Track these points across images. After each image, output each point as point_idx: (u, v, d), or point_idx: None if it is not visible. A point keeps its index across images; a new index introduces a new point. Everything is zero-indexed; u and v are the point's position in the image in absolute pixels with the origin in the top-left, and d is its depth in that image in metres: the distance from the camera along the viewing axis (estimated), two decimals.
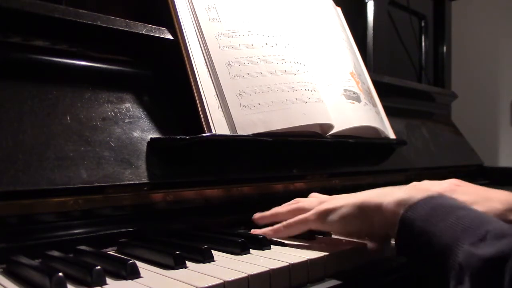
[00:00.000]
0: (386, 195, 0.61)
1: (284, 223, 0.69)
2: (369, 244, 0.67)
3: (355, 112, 0.98)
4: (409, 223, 0.56)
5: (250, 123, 0.77)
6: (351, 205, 0.64)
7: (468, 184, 0.91)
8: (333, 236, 0.74)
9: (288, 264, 0.56)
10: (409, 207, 0.57)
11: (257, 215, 0.75)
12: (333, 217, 0.65)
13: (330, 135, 0.91)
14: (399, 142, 1.11)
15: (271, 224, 0.72)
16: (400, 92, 1.39)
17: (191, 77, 0.77)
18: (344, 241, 0.70)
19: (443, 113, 1.68)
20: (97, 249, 0.62)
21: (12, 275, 0.54)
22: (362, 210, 0.63)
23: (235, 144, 0.79)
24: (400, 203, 0.58)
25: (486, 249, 0.47)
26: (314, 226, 0.67)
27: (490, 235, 0.48)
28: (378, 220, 0.61)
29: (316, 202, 0.70)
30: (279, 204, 0.77)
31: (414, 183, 0.94)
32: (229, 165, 0.81)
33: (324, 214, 0.66)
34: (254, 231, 0.71)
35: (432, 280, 0.56)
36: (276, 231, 0.69)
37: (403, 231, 0.56)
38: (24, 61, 0.67)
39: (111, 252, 0.65)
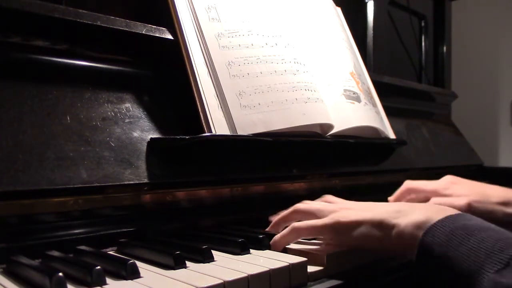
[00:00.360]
0: (403, 215, 0.60)
1: (293, 226, 0.65)
2: None
3: (355, 112, 0.98)
4: (428, 248, 0.54)
5: (250, 123, 0.77)
6: (368, 224, 0.61)
7: (464, 180, 0.91)
8: None
9: (288, 264, 0.56)
10: (428, 231, 0.55)
11: (268, 228, 0.73)
12: (349, 232, 0.62)
13: (330, 135, 0.91)
14: (399, 142, 1.11)
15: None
16: (400, 92, 1.39)
17: (191, 77, 0.77)
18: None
19: (443, 113, 1.68)
20: (97, 249, 0.62)
21: (12, 275, 0.54)
22: (380, 230, 0.60)
23: (235, 144, 0.79)
24: (418, 226, 0.57)
25: (511, 278, 0.46)
26: (327, 236, 0.65)
27: None
28: (395, 240, 0.59)
29: (325, 209, 0.67)
30: (279, 204, 0.77)
31: (408, 182, 0.94)
32: (229, 165, 0.81)
33: (340, 227, 0.63)
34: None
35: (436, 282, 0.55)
36: (284, 237, 0.66)
37: (423, 257, 0.55)
38: (24, 61, 0.67)
39: (111, 252, 0.65)
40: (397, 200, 0.96)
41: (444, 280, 0.54)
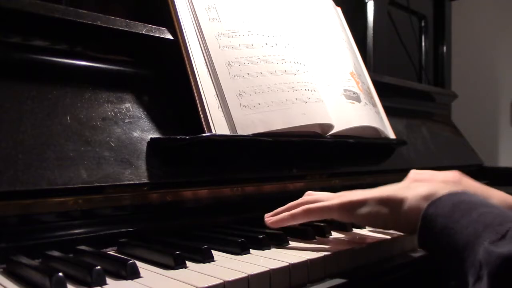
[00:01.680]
0: (410, 189, 0.62)
1: (305, 208, 0.67)
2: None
3: (355, 112, 0.98)
4: (431, 219, 0.56)
5: (250, 123, 0.77)
6: (377, 199, 0.64)
7: (469, 180, 0.91)
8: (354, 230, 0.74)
9: (288, 264, 0.56)
10: (432, 203, 0.57)
11: (270, 220, 0.72)
12: (359, 210, 0.65)
13: (330, 135, 0.91)
14: (399, 142, 1.11)
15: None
16: (400, 92, 1.39)
17: (191, 77, 0.77)
18: (344, 241, 0.70)
19: (443, 113, 1.68)
20: (97, 249, 0.62)
21: (12, 275, 0.54)
22: (388, 204, 0.63)
23: (235, 144, 0.79)
24: (424, 198, 0.59)
25: (506, 247, 0.47)
26: (338, 216, 0.67)
27: (511, 232, 0.48)
28: (404, 214, 0.61)
29: (333, 194, 0.70)
30: (279, 204, 0.77)
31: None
32: (229, 165, 0.81)
33: (350, 206, 0.65)
34: (269, 219, 0.70)
35: (452, 274, 0.56)
36: (293, 216, 0.67)
37: (426, 227, 0.57)
38: (24, 61, 0.67)
39: (111, 252, 0.65)
40: None
41: (443, 250, 0.55)
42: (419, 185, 0.63)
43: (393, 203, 0.63)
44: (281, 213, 0.72)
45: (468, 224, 0.52)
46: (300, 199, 0.73)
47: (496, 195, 0.85)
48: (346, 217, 0.67)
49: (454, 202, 0.56)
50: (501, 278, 0.46)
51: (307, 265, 0.58)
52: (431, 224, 0.56)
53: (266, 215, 0.73)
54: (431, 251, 0.58)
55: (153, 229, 0.71)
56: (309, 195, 0.74)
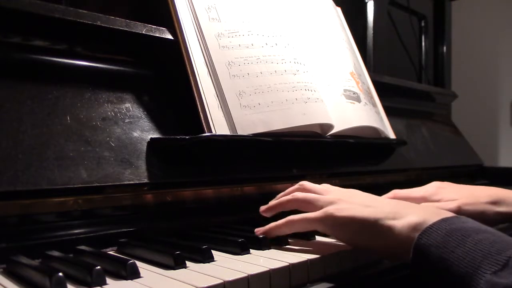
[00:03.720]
0: (399, 216, 0.59)
1: (289, 219, 0.66)
2: None
3: (355, 112, 0.98)
4: (424, 250, 0.54)
5: (250, 123, 0.77)
6: (362, 222, 0.60)
7: (451, 184, 0.91)
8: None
9: (288, 264, 0.56)
10: (423, 233, 0.55)
11: (262, 208, 0.73)
12: (341, 227, 0.62)
13: (330, 135, 0.91)
14: (399, 142, 1.11)
15: (278, 215, 0.71)
16: (400, 92, 1.39)
17: (191, 77, 0.77)
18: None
19: (443, 113, 1.68)
20: (97, 249, 0.62)
21: (12, 275, 0.54)
22: (373, 230, 0.60)
23: (235, 144, 0.79)
24: (414, 228, 0.56)
25: (509, 278, 0.46)
26: (321, 229, 0.65)
27: (511, 262, 0.48)
28: (391, 242, 0.58)
29: (322, 199, 0.67)
30: None
31: (395, 191, 0.93)
32: (229, 165, 0.81)
33: (334, 222, 0.62)
34: (257, 230, 0.68)
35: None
36: (277, 228, 0.66)
37: (419, 259, 0.54)
38: (24, 61, 0.67)
39: (111, 252, 0.65)
40: None
41: (440, 282, 0.53)
42: (409, 211, 0.60)
43: (379, 230, 0.59)
44: (273, 208, 0.72)
45: (465, 255, 0.51)
46: (291, 195, 0.71)
47: (481, 192, 0.86)
48: (329, 232, 0.65)
49: (447, 231, 0.54)
50: None
51: (307, 265, 0.58)
52: (424, 255, 0.54)
53: (262, 208, 0.74)
54: (427, 280, 0.55)
55: (153, 229, 0.71)
56: (303, 187, 0.72)
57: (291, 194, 0.71)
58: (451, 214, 0.58)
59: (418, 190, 0.91)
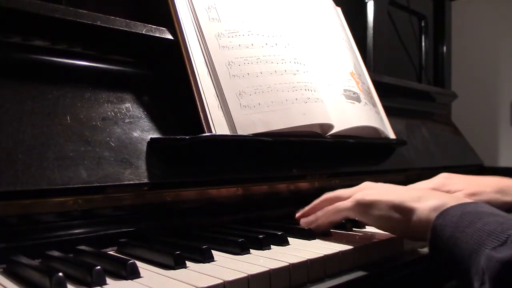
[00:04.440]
0: (421, 200, 0.63)
1: (323, 210, 0.72)
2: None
3: (355, 112, 0.98)
4: (440, 229, 0.57)
5: (250, 123, 0.77)
6: (388, 205, 0.66)
7: (458, 175, 0.93)
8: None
9: (288, 264, 0.56)
10: (441, 214, 0.58)
11: (298, 214, 0.78)
12: (370, 211, 0.67)
13: (330, 135, 0.91)
14: (399, 142, 1.11)
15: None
16: (400, 92, 1.39)
17: (191, 77, 0.77)
18: (344, 241, 0.70)
19: (443, 113, 1.68)
20: (97, 249, 0.62)
21: (12, 275, 0.54)
22: (399, 211, 0.65)
23: (235, 144, 0.79)
24: (434, 209, 0.60)
25: (505, 252, 0.48)
26: (352, 215, 0.70)
27: (511, 238, 0.49)
28: (413, 223, 0.63)
29: (350, 190, 0.73)
30: (279, 204, 0.77)
31: (414, 185, 0.95)
32: (229, 165, 0.81)
33: (363, 206, 0.68)
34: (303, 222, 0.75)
35: (460, 282, 0.57)
36: (315, 221, 0.72)
37: (435, 237, 0.58)
38: (24, 61, 0.67)
39: (111, 252, 0.65)
40: None
41: (451, 260, 0.56)
42: (431, 195, 0.64)
43: (403, 211, 0.64)
44: (308, 212, 0.77)
45: (473, 233, 0.53)
46: (322, 197, 0.77)
47: (487, 182, 0.87)
48: (359, 217, 0.70)
49: (462, 212, 0.57)
50: (501, 282, 0.47)
51: (307, 265, 0.58)
52: (440, 234, 0.57)
53: (298, 214, 0.79)
54: (441, 261, 0.59)
55: (153, 229, 0.71)
56: (329, 193, 0.77)
57: (321, 197, 0.77)
58: (470, 200, 0.61)
59: (427, 182, 0.92)
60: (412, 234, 0.65)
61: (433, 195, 0.65)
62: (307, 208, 0.78)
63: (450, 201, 0.60)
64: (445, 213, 0.58)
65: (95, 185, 0.64)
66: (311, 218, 0.73)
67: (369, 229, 0.81)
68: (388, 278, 0.67)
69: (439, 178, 0.93)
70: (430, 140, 1.42)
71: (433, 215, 0.59)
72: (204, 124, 0.74)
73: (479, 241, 0.52)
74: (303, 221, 0.75)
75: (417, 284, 0.72)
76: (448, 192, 0.88)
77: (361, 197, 0.69)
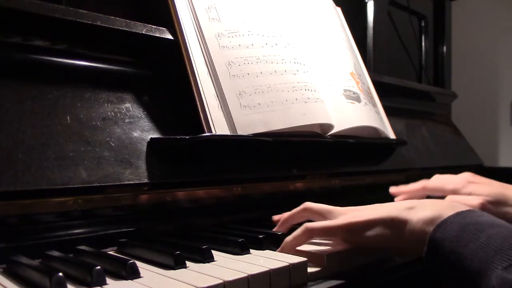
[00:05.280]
0: (414, 211, 0.60)
1: (307, 227, 0.64)
2: None
3: (355, 112, 0.98)
4: (438, 244, 0.55)
5: (250, 123, 0.77)
6: (381, 222, 0.61)
7: (483, 179, 0.90)
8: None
9: (288, 264, 0.56)
10: (438, 227, 0.56)
11: (277, 227, 0.73)
12: (365, 232, 0.62)
13: (330, 135, 0.91)
14: (399, 142, 1.11)
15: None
16: (400, 92, 1.39)
17: (191, 77, 0.77)
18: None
19: (443, 113, 1.68)
20: (97, 249, 0.62)
21: (12, 275, 0.54)
22: (393, 228, 0.61)
23: (235, 144, 0.79)
24: (429, 222, 0.57)
25: None
26: (341, 237, 0.64)
27: None
28: (408, 238, 0.59)
29: (338, 211, 0.67)
30: (279, 204, 0.77)
31: (424, 182, 0.93)
32: (229, 165, 0.81)
33: (353, 228, 0.63)
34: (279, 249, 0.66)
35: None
36: (296, 239, 0.64)
37: (433, 252, 0.55)
38: (24, 61, 0.67)
39: (111, 252, 0.65)
40: (408, 198, 0.95)
41: (453, 276, 0.54)
42: (423, 206, 0.61)
43: (396, 226, 0.60)
44: (286, 220, 0.72)
45: (478, 249, 0.51)
46: (302, 205, 0.71)
47: (511, 189, 0.84)
48: (350, 239, 0.64)
49: (461, 225, 0.55)
50: None
51: (307, 265, 0.58)
52: (438, 249, 0.55)
53: (274, 218, 0.76)
54: (439, 274, 0.56)
55: (153, 229, 0.71)
56: (307, 206, 0.71)
57: (303, 205, 0.71)
58: (465, 208, 0.59)
59: (448, 182, 0.89)
60: (405, 249, 0.61)
61: (424, 205, 0.61)
62: (284, 216, 0.73)
63: (445, 211, 0.57)
64: (442, 226, 0.55)
65: (95, 185, 0.64)
66: (290, 239, 0.64)
67: None
68: (388, 278, 0.67)
69: (460, 179, 0.90)
70: (430, 140, 1.42)
71: (429, 228, 0.56)
72: (204, 124, 0.74)
73: (485, 259, 0.50)
74: (281, 248, 0.65)
75: (417, 284, 0.72)
76: (469, 194, 0.85)
77: (353, 218, 0.63)
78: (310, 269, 0.59)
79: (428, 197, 0.95)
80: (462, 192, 0.86)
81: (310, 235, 0.64)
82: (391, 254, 0.67)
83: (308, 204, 0.70)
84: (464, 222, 0.55)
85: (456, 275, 0.53)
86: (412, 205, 0.62)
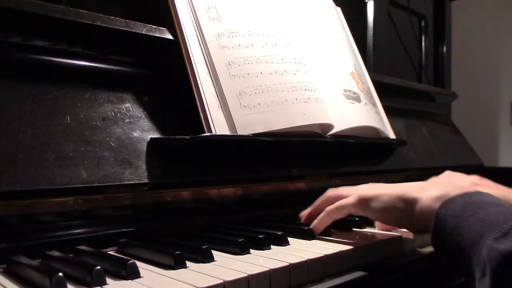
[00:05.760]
0: (424, 190, 0.64)
1: (326, 210, 0.72)
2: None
3: (355, 112, 0.98)
4: (443, 219, 0.57)
5: (250, 123, 0.77)
6: (391, 196, 0.66)
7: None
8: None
9: (288, 264, 0.56)
10: (444, 203, 0.58)
11: (302, 215, 0.80)
12: (374, 204, 0.68)
13: (330, 135, 0.91)
14: (399, 142, 1.11)
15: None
16: (400, 92, 1.39)
17: (191, 77, 0.77)
18: (344, 240, 0.70)
19: (443, 113, 1.68)
20: (97, 249, 0.62)
21: (12, 275, 0.54)
22: (402, 202, 0.65)
23: (235, 144, 0.79)
24: (437, 199, 0.60)
25: (507, 244, 0.47)
26: (355, 211, 0.70)
27: None
28: (417, 214, 0.63)
29: (353, 188, 0.73)
30: (279, 204, 0.77)
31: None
32: (229, 165, 0.81)
33: (365, 200, 0.69)
34: (310, 228, 0.73)
35: (461, 273, 0.57)
36: (320, 221, 0.72)
37: (438, 227, 0.58)
38: (24, 61, 0.67)
39: (111, 252, 0.65)
40: None
41: (453, 249, 0.55)
42: (433, 185, 0.64)
43: (406, 201, 0.64)
44: (311, 213, 0.78)
45: (476, 223, 0.53)
46: (323, 195, 0.77)
47: None
48: (362, 212, 0.70)
49: (465, 202, 0.57)
50: (502, 273, 0.47)
51: (307, 265, 0.58)
52: (442, 224, 0.57)
53: (301, 214, 0.80)
54: (442, 251, 0.59)
55: (153, 229, 0.71)
56: (331, 191, 0.78)
57: (324, 195, 0.77)
58: (473, 189, 0.61)
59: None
60: (416, 225, 0.65)
61: (436, 185, 0.64)
62: (309, 209, 0.78)
63: (453, 190, 0.60)
64: (448, 203, 0.58)
65: (95, 185, 0.64)
66: (315, 223, 0.73)
67: (369, 229, 0.81)
68: (389, 278, 0.67)
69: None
70: (430, 140, 1.42)
71: (436, 205, 0.59)
72: (204, 124, 0.74)
73: (481, 231, 0.51)
74: (311, 228, 0.73)
75: (417, 284, 0.72)
76: None
77: (363, 192, 0.70)
78: (310, 269, 0.58)
79: None
80: None
81: (329, 216, 0.72)
82: (399, 227, 0.72)
83: (328, 192, 0.77)
84: (468, 200, 0.57)
85: (456, 249, 0.55)
86: (424, 185, 0.66)
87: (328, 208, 0.72)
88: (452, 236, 0.55)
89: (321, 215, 0.73)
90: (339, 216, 0.72)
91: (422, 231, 0.65)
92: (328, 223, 0.72)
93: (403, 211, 0.65)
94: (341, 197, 0.73)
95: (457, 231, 0.54)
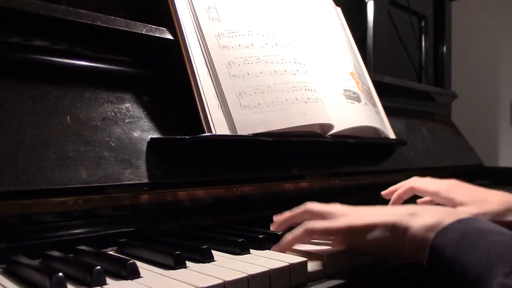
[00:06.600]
0: (415, 217, 0.60)
1: (307, 228, 0.64)
2: None
3: (355, 112, 0.98)
4: (439, 250, 0.55)
5: (250, 123, 0.77)
6: (381, 227, 0.61)
7: (466, 185, 0.90)
8: None
9: (288, 264, 0.56)
10: (439, 233, 0.56)
11: (274, 225, 0.72)
12: (365, 236, 0.62)
13: (330, 135, 0.91)
14: (399, 142, 1.11)
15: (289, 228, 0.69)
16: (400, 92, 1.39)
17: (191, 77, 0.77)
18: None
19: (443, 113, 1.68)
20: (97, 249, 0.62)
21: (12, 275, 0.54)
22: (393, 233, 0.60)
23: (235, 144, 0.79)
24: (430, 228, 0.57)
25: None
26: (340, 239, 0.65)
27: None
28: (408, 244, 0.59)
29: (331, 209, 0.67)
30: (279, 204, 0.76)
31: (413, 180, 0.94)
32: (229, 165, 0.81)
33: (354, 230, 0.63)
34: (274, 247, 0.65)
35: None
36: (297, 239, 0.64)
37: (434, 258, 0.55)
38: (24, 61, 0.67)
39: (111, 252, 0.65)
40: (399, 198, 0.95)
41: (454, 282, 0.54)
42: (424, 212, 0.61)
43: (397, 231, 0.60)
44: (286, 219, 0.71)
45: (479, 255, 0.51)
46: (303, 206, 0.70)
47: (494, 197, 0.84)
48: (351, 241, 0.64)
49: (462, 231, 0.55)
50: None
51: (307, 265, 0.58)
52: (439, 255, 0.55)
53: (275, 217, 0.73)
54: (441, 279, 0.56)
55: (153, 229, 0.71)
56: (311, 204, 0.70)
57: (304, 207, 0.70)
58: (466, 215, 0.59)
59: (433, 184, 0.90)
60: (406, 255, 0.61)
61: (427, 211, 0.61)
62: (283, 217, 0.72)
63: (446, 217, 0.58)
64: (444, 232, 0.56)
65: (95, 185, 0.64)
66: (289, 239, 0.64)
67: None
68: (388, 278, 0.67)
69: (446, 184, 0.90)
70: (430, 140, 1.42)
71: (430, 235, 0.56)
72: (204, 124, 0.74)
73: (487, 266, 0.50)
74: (277, 247, 0.64)
75: (417, 284, 0.72)
76: (452, 199, 0.85)
77: (354, 220, 0.63)
78: (310, 269, 0.59)
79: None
80: (445, 196, 0.86)
81: (309, 235, 0.64)
82: (391, 258, 0.66)
83: (309, 205, 0.69)
84: (465, 229, 0.55)
85: (457, 281, 0.53)
86: (414, 211, 0.61)
87: (310, 227, 0.64)
88: (451, 267, 0.53)
89: (299, 233, 0.64)
90: (319, 239, 0.67)
91: (410, 260, 0.62)
92: (305, 242, 0.66)
93: (394, 242, 0.60)
94: (321, 215, 0.67)
95: (457, 262, 0.53)
